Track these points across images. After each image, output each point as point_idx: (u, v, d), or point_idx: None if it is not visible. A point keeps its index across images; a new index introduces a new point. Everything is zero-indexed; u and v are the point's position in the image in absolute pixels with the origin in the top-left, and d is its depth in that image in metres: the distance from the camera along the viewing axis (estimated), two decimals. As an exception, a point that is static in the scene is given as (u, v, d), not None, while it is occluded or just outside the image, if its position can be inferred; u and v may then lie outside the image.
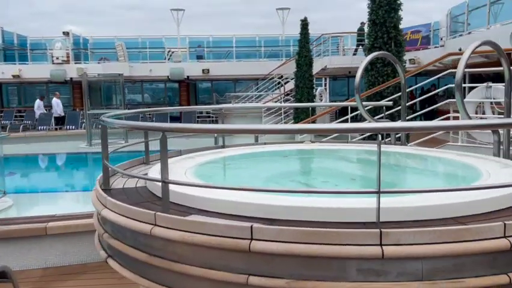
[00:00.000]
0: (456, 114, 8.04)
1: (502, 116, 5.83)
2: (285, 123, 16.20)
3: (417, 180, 3.89)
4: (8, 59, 25.53)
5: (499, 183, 2.63)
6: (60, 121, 18.73)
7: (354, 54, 20.80)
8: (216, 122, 19.80)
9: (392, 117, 8.06)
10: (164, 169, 2.57)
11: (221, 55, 26.13)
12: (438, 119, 9.11)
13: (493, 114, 6.88)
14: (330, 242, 2.10)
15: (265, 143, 5.24)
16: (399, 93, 7.38)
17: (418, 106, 15.98)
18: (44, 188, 10.02)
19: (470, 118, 4.10)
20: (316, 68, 18.69)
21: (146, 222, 2.48)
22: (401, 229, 2.10)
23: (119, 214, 2.68)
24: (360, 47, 19.66)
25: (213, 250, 2.26)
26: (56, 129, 18.07)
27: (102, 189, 3.13)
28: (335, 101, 22.72)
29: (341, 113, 17.39)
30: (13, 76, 23.07)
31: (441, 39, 17.37)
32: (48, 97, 23.66)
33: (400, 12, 8.73)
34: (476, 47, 3.70)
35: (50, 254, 4.79)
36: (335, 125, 2.50)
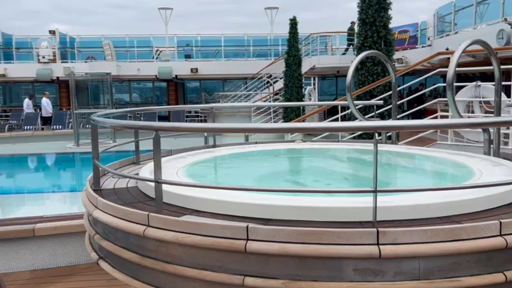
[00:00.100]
0: (444, 114, 8.10)
1: (492, 114, 5.89)
2: (275, 122, 16.19)
3: (411, 179, 3.90)
4: (-7, 58, 25.15)
5: (494, 181, 2.64)
6: (47, 121, 18.48)
7: (344, 54, 20.87)
8: (205, 121, 19.71)
9: (382, 116, 8.10)
10: (158, 169, 2.53)
11: (209, 54, 26.04)
12: (427, 118, 9.17)
13: (482, 113, 6.94)
14: (326, 242, 2.08)
15: (256, 142, 5.21)
16: (389, 92, 7.41)
17: (406, 106, 16.08)
18: (31, 189, 9.86)
19: (461, 117, 4.11)
20: (305, 67, 18.72)
21: (139, 223, 2.44)
22: (398, 228, 2.09)
23: (111, 215, 2.63)
24: (351, 46, 19.74)
25: (207, 251, 2.23)
26: (42, 129, 17.83)
27: (93, 190, 3.08)
28: (324, 101, 22.79)
29: (329, 112, 17.41)
30: (-2, 75, 22.74)
31: (429, 38, 17.51)
32: (35, 96, 23.34)
33: (390, 12, 8.77)
34: (467, 46, 3.72)
35: (38, 255, 4.71)
36: (334, 124, 2.49)
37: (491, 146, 3.95)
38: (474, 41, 3.87)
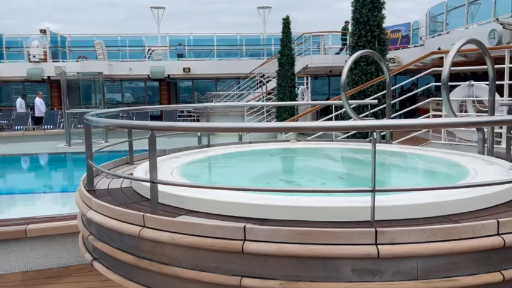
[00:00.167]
0: (436, 113, 8.14)
1: (485, 114, 5.92)
2: (268, 122, 16.18)
3: (408, 179, 3.90)
4: (-18, 58, 24.87)
5: (491, 180, 2.64)
6: (38, 121, 18.31)
7: (338, 53, 20.91)
8: (198, 120, 19.65)
9: (376, 116, 8.11)
10: (153, 169, 2.50)
11: (202, 54, 25.94)
12: (420, 117, 9.20)
13: (475, 112, 6.97)
14: (324, 242, 2.06)
15: (250, 142, 5.19)
16: (383, 92, 7.42)
17: (398, 105, 16.14)
18: (23, 190, 9.75)
19: (456, 116, 4.13)
20: (297, 67, 18.73)
21: (134, 224, 2.41)
22: (396, 228, 2.08)
23: (105, 215, 2.60)
24: (346, 46, 19.78)
25: (204, 251, 2.21)
26: (33, 129, 17.66)
27: (86, 190, 3.04)
28: (316, 100, 22.80)
29: (322, 112, 17.42)
30: (-12, 75, 22.50)
31: (421, 38, 17.59)
32: (26, 96, 23.11)
33: (383, 11, 8.79)
34: (462, 45, 3.73)
35: (31, 257, 4.65)
36: (331, 124, 2.48)
37: (485, 145, 3.96)
38: (469, 40, 3.88)
